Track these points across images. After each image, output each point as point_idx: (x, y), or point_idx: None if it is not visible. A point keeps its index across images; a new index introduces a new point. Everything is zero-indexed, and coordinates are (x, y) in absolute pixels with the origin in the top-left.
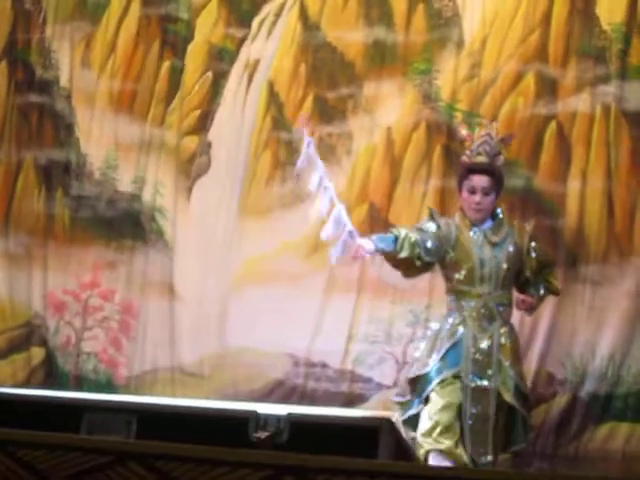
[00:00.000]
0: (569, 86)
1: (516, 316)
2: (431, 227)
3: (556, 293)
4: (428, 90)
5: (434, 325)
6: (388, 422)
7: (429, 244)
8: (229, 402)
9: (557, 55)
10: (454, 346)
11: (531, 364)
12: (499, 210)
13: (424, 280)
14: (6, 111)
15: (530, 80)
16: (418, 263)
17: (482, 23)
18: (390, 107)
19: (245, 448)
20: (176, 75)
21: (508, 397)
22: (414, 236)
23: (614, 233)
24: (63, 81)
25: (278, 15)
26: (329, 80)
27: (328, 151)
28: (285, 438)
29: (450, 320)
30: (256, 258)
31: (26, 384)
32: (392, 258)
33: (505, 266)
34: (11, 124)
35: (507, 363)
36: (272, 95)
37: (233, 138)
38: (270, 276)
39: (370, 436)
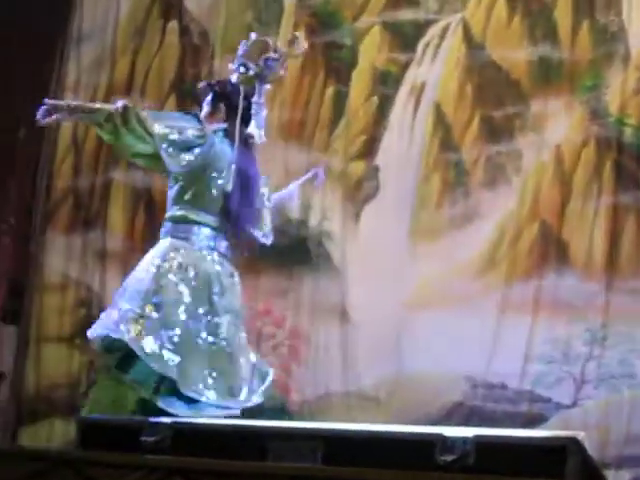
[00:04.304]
0: None
1: None
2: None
3: None
4: (596, 106)
5: None
6: (575, 442)
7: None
8: (413, 426)
9: None
10: None
11: None
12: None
13: (600, 298)
14: None
15: None
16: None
17: None
18: (558, 125)
19: (431, 472)
20: (340, 101)
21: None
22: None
23: None
24: None
25: (442, 37)
26: (495, 99)
27: (497, 170)
28: (472, 461)
29: None
30: (428, 280)
31: None
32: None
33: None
34: None
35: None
36: (439, 117)
37: (401, 162)
38: (443, 298)
39: (557, 456)
